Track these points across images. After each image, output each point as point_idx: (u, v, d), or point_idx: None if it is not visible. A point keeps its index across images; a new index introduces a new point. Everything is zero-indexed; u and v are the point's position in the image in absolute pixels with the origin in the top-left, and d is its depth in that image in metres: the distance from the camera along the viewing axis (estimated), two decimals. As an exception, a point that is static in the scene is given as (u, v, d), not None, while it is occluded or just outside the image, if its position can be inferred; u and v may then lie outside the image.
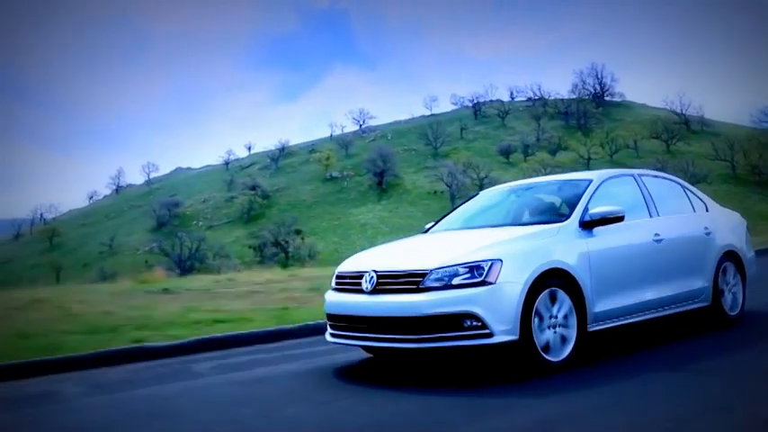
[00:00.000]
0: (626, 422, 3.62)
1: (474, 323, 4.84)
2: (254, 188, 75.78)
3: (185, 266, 57.11)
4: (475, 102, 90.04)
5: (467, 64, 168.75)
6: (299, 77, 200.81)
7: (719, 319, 6.80)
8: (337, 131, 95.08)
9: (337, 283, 5.77)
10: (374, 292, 5.19)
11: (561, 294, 5.23)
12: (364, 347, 5.89)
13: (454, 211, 7.19)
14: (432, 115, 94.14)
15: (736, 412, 3.72)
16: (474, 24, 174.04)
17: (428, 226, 6.97)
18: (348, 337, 5.48)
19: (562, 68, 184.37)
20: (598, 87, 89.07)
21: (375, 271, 5.27)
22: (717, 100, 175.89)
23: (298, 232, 62.77)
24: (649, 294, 6.06)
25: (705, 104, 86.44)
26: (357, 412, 4.29)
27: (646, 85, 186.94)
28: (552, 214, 6.23)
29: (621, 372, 4.88)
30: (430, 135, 79.80)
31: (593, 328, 5.46)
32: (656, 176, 7.08)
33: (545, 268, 5.10)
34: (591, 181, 6.18)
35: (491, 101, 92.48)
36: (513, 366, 5.03)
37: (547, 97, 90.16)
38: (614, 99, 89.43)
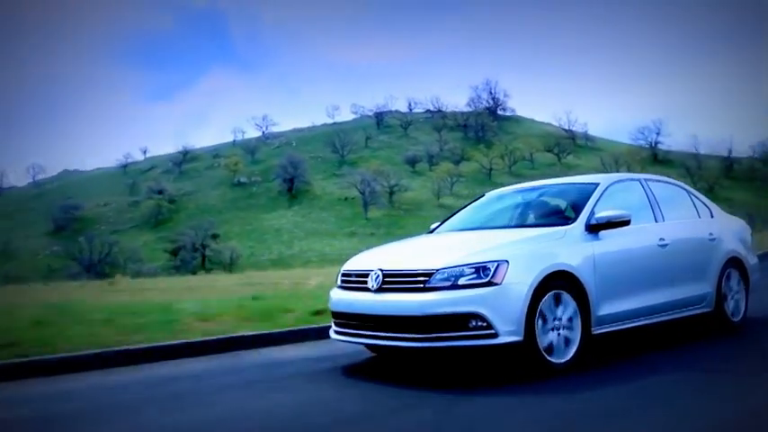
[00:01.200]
0: (619, 427, 3.62)
1: (479, 323, 4.86)
2: (160, 192, 74.49)
3: (96, 270, 55.75)
4: (377, 112, 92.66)
5: (360, 73, 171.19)
6: (174, 78, 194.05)
7: (722, 325, 6.82)
8: (239, 137, 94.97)
9: (343, 281, 5.77)
10: (380, 290, 5.19)
11: (566, 297, 5.24)
12: (369, 346, 5.92)
13: (459, 212, 7.20)
14: (334, 124, 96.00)
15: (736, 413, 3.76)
16: (365, 33, 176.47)
17: (433, 226, 7.04)
18: (353, 335, 5.50)
19: (458, 82, 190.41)
20: (492, 102, 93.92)
21: (381, 270, 5.27)
22: (599, 118, 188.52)
23: (214, 236, 62.87)
24: (653, 299, 6.08)
25: (589, 121, 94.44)
26: (358, 405, 4.32)
27: (534, 101, 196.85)
28: (558, 217, 6.25)
29: (624, 375, 4.87)
30: (337, 143, 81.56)
31: (597, 331, 5.48)
32: (661, 181, 7.12)
33: (550, 270, 5.12)
34: (598, 184, 6.23)
35: (391, 111, 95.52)
36: (516, 367, 5.06)
37: (444, 110, 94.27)
38: (506, 113, 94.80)
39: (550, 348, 5.02)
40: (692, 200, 7.16)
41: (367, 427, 3.80)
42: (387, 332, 5.09)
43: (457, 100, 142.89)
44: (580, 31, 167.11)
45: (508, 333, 4.80)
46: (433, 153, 79.19)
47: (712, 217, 7.21)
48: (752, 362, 5.25)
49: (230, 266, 54.49)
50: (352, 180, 70.02)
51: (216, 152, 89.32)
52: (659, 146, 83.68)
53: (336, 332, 5.63)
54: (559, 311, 5.14)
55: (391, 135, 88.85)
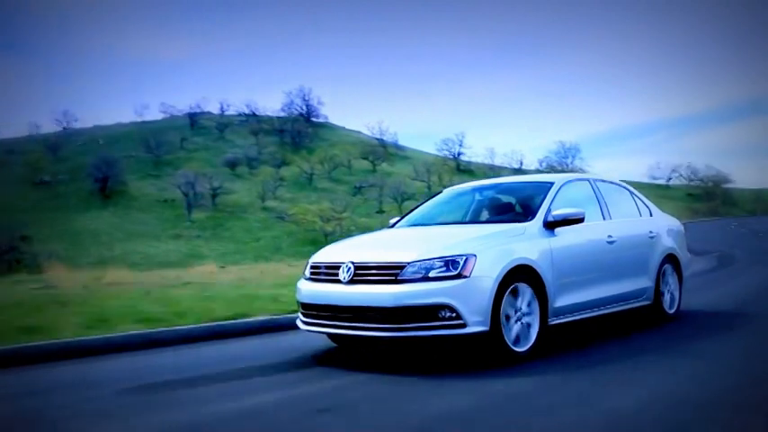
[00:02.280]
0: (569, 404, 3.95)
1: (449, 314, 4.99)
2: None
3: None
4: (190, 113, 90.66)
5: (168, 71, 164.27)
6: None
7: (659, 317, 7.20)
8: (33, 131, 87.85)
9: (312, 273, 5.82)
10: (352, 282, 5.26)
11: (526, 289, 5.46)
12: (334, 336, 5.99)
13: (419, 208, 7.41)
14: (144, 122, 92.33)
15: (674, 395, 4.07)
16: (173, 28, 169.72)
17: (393, 221, 7.28)
18: (323, 325, 5.54)
19: (271, 87, 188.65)
20: (305, 108, 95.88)
21: (353, 262, 5.34)
22: (407, 128, 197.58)
23: (23, 238, 57.98)
24: (603, 292, 6.38)
25: (398, 131, 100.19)
26: (332, 394, 4.45)
27: (345, 110, 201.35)
28: (517, 214, 6.54)
29: (576, 362, 5.23)
30: (151, 143, 78.82)
31: (553, 321, 5.71)
32: (606, 182, 7.41)
33: (513, 264, 5.30)
34: (552, 183, 6.49)
35: (203, 112, 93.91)
36: (481, 355, 5.32)
37: (258, 114, 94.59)
38: (319, 120, 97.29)
39: (513, 337, 5.30)
40: (633, 199, 7.59)
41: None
42: (359, 323, 5.19)
43: (271, 104, 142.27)
44: (390, 44, 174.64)
45: (476, 323, 5.01)
46: (252, 156, 79.41)
47: (651, 216, 7.65)
48: (685, 348, 5.73)
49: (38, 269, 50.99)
50: (172, 181, 68.22)
51: (10, 148, 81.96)
52: (461, 156, 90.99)
53: (306, 322, 5.72)
54: (521, 303, 5.41)
55: (206, 137, 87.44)
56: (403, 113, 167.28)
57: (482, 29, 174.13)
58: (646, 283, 7.07)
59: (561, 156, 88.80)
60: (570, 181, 6.74)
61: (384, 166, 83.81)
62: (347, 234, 61.35)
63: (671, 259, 7.52)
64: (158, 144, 78.74)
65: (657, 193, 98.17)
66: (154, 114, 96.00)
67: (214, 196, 68.23)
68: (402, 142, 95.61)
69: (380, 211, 68.56)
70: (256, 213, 68.03)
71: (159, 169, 76.59)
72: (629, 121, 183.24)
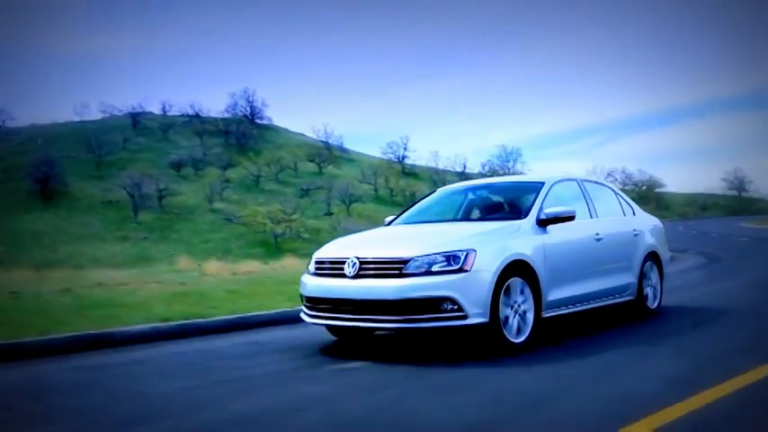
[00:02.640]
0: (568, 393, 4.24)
1: (451, 306, 5.22)
2: None
3: None
4: (132, 113, 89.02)
5: (106, 70, 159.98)
6: None
7: (642, 312, 7.48)
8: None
9: (317, 269, 6.06)
10: (357, 276, 5.48)
11: (522, 283, 5.71)
12: (331, 329, 6.26)
13: (414, 206, 7.70)
14: (82, 122, 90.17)
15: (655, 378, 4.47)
16: (111, 25, 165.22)
17: (389, 219, 7.51)
18: (329, 318, 5.79)
19: (214, 88, 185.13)
20: (249, 110, 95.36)
21: (358, 258, 5.57)
22: (352, 131, 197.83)
23: (-38, 240, 56.14)
24: (591, 287, 6.65)
25: (344, 134, 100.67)
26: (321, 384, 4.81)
27: (289, 112, 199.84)
28: (509, 212, 6.77)
29: (567, 352, 5.56)
30: (93, 143, 77.24)
31: (546, 314, 5.97)
32: (592, 182, 7.78)
33: (510, 259, 5.57)
34: (543, 183, 6.75)
35: (145, 112, 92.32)
36: (479, 346, 5.55)
37: (202, 115, 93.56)
38: (263, 122, 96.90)
39: (510, 329, 5.56)
40: (618, 199, 7.90)
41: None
42: (365, 314, 5.43)
43: (215, 105, 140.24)
44: (332, 46, 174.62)
45: (476, 315, 5.26)
46: (198, 158, 78.70)
47: (635, 214, 7.96)
48: (668, 340, 6.14)
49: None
50: (117, 182, 67.15)
51: (-61, 147, 79.05)
52: (405, 160, 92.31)
53: (311, 315, 5.98)
54: (517, 296, 5.67)
55: (150, 138, 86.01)
56: (347, 116, 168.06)
57: (423, 32, 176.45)
58: (630, 279, 7.34)
59: (503, 159, 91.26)
60: (560, 181, 7.02)
61: (330, 168, 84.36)
62: (297, 236, 61.74)
63: (653, 257, 7.83)
64: (100, 144, 77.23)
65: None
66: (94, 114, 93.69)
67: (160, 198, 67.46)
68: (347, 145, 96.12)
69: (329, 213, 69.15)
70: (204, 215, 67.60)
71: (101, 170, 75.12)
72: (567, 124, 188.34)
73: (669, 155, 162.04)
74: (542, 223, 6.18)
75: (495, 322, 5.39)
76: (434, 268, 5.31)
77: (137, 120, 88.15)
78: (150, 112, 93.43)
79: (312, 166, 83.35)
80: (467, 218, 7.15)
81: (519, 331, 5.66)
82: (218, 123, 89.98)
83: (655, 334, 6.53)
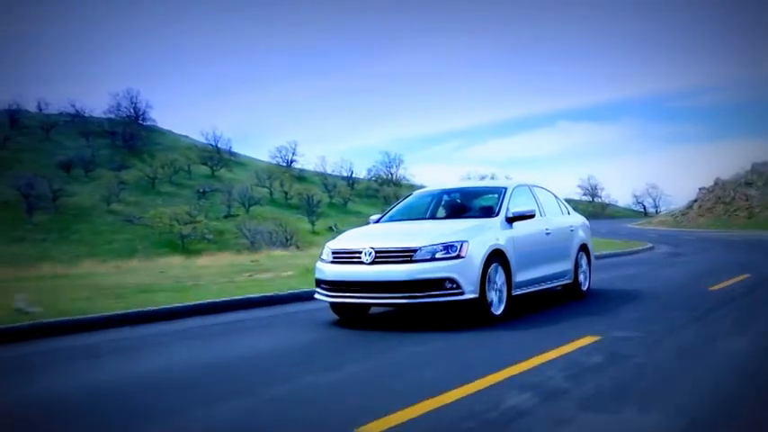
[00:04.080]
0: (521, 341, 5.87)
1: (451, 285, 6.45)
2: None
3: None
4: (10, 110, 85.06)
5: None
6: None
7: (576, 293, 8.92)
8: None
9: (335, 257, 7.07)
10: (373, 263, 6.62)
11: (499, 267, 6.97)
12: (341, 307, 7.29)
13: (397, 206, 8.92)
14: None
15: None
16: None
17: (375, 217, 8.64)
18: (349, 297, 6.88)
19: (92, 87, 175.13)
20: (133, 111, 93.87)
21: (373, 248, 6.69)
22: (240, 134, 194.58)
23: None
24: (544, 271, 8.04)
25: (232, 137, 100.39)
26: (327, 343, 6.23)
27: (173, 113, 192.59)
28: (482, 211, 8.00)
29: (534, 320, 7.04)
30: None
31: (515, 293, 7.27)
32: (539, 187, 9.07)
33: (492, 248, 6.85)
34: (506, 188, 8.08)
35: (20, 110, 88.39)
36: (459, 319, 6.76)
37: (84, 115, 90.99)
38: (147, 124, 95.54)
39: (492, 303, 6.84)
40: (557, 201, 9.38)
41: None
42: (382, 293, 6.64)
43: (94, 105, 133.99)
44: (214, 47, 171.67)
45: (470, 291, 6.48)
46: (87, 159, 77.21)
47: (569, 214, 9.51)
48: (596, 311, 7.65)
49: None
50: (5, 182, 65.03)
51: None
52: (294, 164, 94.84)
53: (330, 295, 7.07)
54: (496, 278, 6.93)
55: (31, 137, 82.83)
56: (231, 118, 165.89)
57: (300, 33, 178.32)
58: (568, 266, 8.79)
59: (387, 165, 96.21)
60: (517, 186, 8.38)
61: (223, 171, 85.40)
62: (202, 237, 62.92)
63: (583, 248, 9.30)
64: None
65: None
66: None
67: (54, 199, 66.10)
68: (235, 149, 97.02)
69: (229, 216, 70.46)
70: (102, 216, 66.92)
71: (-18, 170, 72.00)
72: (432, 128, 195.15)
73: (524, 161, 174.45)
74: (510, 220, 7.55)
75: (483, 298, 6.68)
76: (437, 255, 6.55)
77: (15, 118, 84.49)
78: (27, 111, 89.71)
79: (205, 169, 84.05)
80: (446, 216, 8.39)
81: (498, 305, 7.00)
82: (103, 124, 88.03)
83: (586, 309, 8.01)
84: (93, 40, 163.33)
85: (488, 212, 7.75)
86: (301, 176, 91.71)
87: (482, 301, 6.65)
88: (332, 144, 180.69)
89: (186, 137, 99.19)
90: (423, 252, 6.54)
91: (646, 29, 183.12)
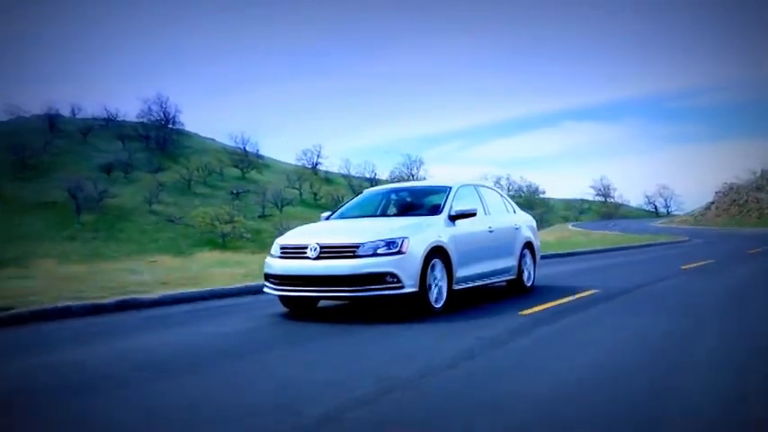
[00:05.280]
0: (459, 333, 6.02)
1: (392, 279, 6.73)
2: None
3: None
4: (49, 115, 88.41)
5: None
6: None
7: (520, 288, 9.21)
8: None
9: (282, 253, 7.29)
10: (318, 258, 6.84)
11: (440, 263, 7.26)
12: (289, 300, 7.46)
13: (347, 204, 9.16)
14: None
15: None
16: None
17: (325, 215, 8.86)
18: (295, 290, 7.09)
19: (124, 92, 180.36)
20: (163, 116, 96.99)
21: (319, 244, 6.92)
22: (265, 138, 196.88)
23: None
24: (486, 267, 8.30)
25: (259, 141, 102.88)
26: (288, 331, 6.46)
27: (201, 117, 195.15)
28: (427, 209, 8.31)
29: (471, 313, 7.29)
30: (16, 145, 77.04)
31: (455, 287, 7.57)
32: (485, 186, 9.46)
33: (433, 245, 7.14)
34: (451, 188, 8.32)
35: (57, 115, 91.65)
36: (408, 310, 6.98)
37: (116, 118, 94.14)
38: (176, 127, 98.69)
39: (432, 297, 7.12)
40: (502, 200, 9.69)
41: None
42: (327, 286, 6.87)
43: (124, 109, 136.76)
44: (242, 49, 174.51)
45: (410, 285, 6.78)
46: (125, 161, 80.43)
47: (515, 213, 9.77)
48: (535, 304, 7.84)
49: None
50: (51, 184, 68.40)
51: None
52: (319, 166, 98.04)
53: (277, 289, 7.27)
54: (437, 273, 7.22)
55: (69, 141, 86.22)
56: (257, 122, 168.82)
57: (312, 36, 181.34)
58: (512, 262, 9.06)
59: (408, 166, 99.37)
60: (462, 186, 8.64)
61: (253, 173, 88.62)
62: (239, 236, 66.02)
63: (528, 246, 9.59)
64: (23, 146, 77.11)
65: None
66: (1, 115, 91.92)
67: (99, 200, 69.26)
68: (262, 152, 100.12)
69: (263, 216, 73.65)
70: (145, 216, 70.08)
71: (26, 172, 75.25)
72: (438, 128, 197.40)
73: (526, 160, 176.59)
74: (452, 218, 7.81)
75: (423, 291, 6.94)
76: (379, 251, 6.77)
77: (52, 122, 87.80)
78: (61, 115, 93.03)
79: (236, 171, 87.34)
80: (395, 213, 8.65)
81: (438, 299, 7.26)
82: (136, 128, 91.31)
83: (529, 302, 8.17)
84: (119, 44, 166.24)
85: (433, 211, 8.05)
86: (327, 178, 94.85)
87: (422, 295, 6.95)
88: (332, 144, 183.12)
89: (212, 140, 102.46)
90: (365, 248, 6.82)
91: (646, 29, 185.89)
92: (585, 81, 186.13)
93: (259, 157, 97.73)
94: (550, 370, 4.62)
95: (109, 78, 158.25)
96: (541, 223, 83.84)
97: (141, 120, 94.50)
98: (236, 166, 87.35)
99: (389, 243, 6.84)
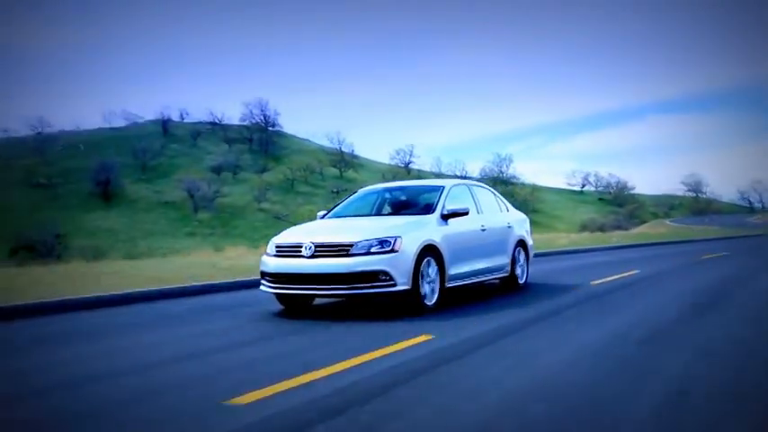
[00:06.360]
0: (455, 329, 5.91)
1: (385, 277, 6.79)
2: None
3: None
4: (163, 120, 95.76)
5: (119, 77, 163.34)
6: None
7: (513, 285, 9.33)
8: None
9: (277, 251, 7.40)
10: (313, 257, 6.94)
11: (432, 261, 7.33)
12: (285, 298, 7.60)
13: (342, 203, 9.21)
14: (112, 128, 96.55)
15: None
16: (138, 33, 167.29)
17: (321, 213, 9.03)
18: (289, 288, 7.20)
19: (225, 96, 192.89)
20: (263, 119, 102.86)
21: (313, 243, 7.01)
22: (358, 138, 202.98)
23: (58, 236, 62.50)
24: (478, 265, 8.42)
25: (353, 142, 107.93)
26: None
27: (296, 119, 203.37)
28: (421, 208, 8.41)
29: (461, 311, 7.22)
30: (137, 149, 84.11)
31: (448, 285, 7.66)
32: (478, 186, 9.55)
33: (425, 244, 7.21)
34: (444, 187, 8.49)
35: (169, 120, 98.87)
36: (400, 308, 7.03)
37: (222, 123, 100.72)
38: (276, 130, 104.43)
39: (425, 295, 7.23)
40: (496, 199, 9.77)
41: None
42: (321, 284, 7.00)
43: (228, 113, 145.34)
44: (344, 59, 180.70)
45: (403, 283, 6.88)
46: (233, 163, 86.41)
47: (508, 211, 9.91)
48: (529, 302, 8.08)
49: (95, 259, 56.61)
50: (169, 185, 74.76)
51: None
52: (411, 165, 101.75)
53: (273, 287, 7.38)
54: (430, 270, 7.33)
55: (181, 144, 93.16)
56: (349, 122, 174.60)
57: (420, 37, 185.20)
58: (505, 260, 9.13)
59: (498, 164, 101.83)
60: (455, 185, 8.76)
61: (350, 172, 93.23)
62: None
63: (521, 244, 9.69)
64: (144, 150, 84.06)
65: (575, 197, 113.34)
66: (118, 121, 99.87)
67: (213, 199, 75.07)
68: (356, 152, 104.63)
69: (362, 213, 77.74)
70: (254, 214, 75.51)
71: (147, 173, 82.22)
72: (514, 124, 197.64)
73: (612, 155, 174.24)
74: (445, 217, 7.87)
75: (416, 289, 7.01)
76: (372, 250, 6.85)
77: (165, 127, 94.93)
78: (172, 120, 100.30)
79: (334, 171, 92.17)
80: (389, 212, 8.74)
81: (431, 296, 7.33)
82: (240, 131, 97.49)
83: (523, 300, 8.31)
84: (220, 50, 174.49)
85: (426, 210, 8.16)
86: (420, 176, 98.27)
87: (415, 293, 7.04)
88: (422, 141, 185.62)
89: (308, 140, 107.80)
90: (359, 246, 6.91)
91: (735, 17, 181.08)
92: (671, 73, 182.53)
93: (354, 156, 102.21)
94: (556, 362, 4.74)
95: (213, 84, 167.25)
96: (632, 219, 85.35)
97: (244, 123, 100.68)
98: (334, 166, 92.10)
99: (383, 242, 6.94)
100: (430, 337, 5.63)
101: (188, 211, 73.04)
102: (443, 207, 8.01)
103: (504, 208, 9.82)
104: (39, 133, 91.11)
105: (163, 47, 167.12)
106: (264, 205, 77.43)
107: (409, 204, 8.74)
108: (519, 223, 9.92)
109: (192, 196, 72.34)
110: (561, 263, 15.74)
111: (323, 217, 8.82)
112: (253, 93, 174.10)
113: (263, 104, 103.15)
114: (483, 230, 8.64)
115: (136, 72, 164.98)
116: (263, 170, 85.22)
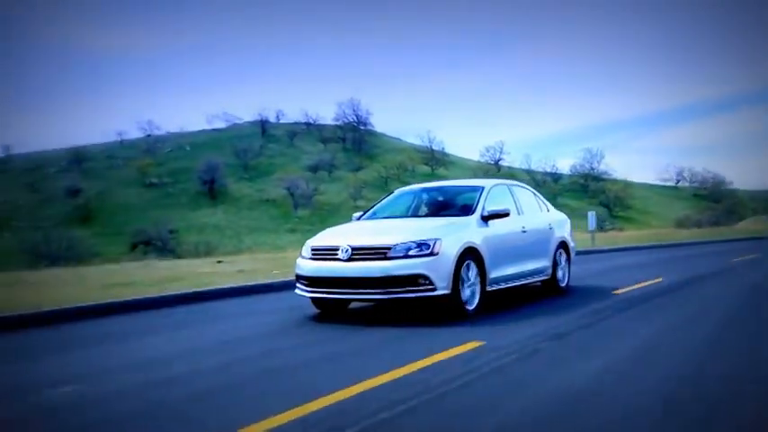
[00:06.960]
0: (502, 336, 5.92)
1: (424, 281, 6.64)
2: (77, 192, 75.94)
3: (64, 259, 57.97)
4: (262, 121, 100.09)
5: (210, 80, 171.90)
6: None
7: (554, 289, 9.10)
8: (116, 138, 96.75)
9: (313, 254, 7.32)
10: (350, 260, 6.81)
11: (472, 264, 7.14)
12: (321, 301, 7.47)
13: (378, 204, 9.10)
14: (213, 130, 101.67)
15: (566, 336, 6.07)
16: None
17: (357, 215, 8.93)
18: (327, 292, 7.08)
19: (320, 97, 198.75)
20: (355, 118, 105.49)
21: (350, 245, 6.90)
22: (448, 135, 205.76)
23: (171, 232, 67.31)
24: (519, 268, 8.25)
25: (443, 139, 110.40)
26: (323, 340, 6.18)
27: (386, 118, 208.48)
28: (460, 209, 8.24)
29: (504, 316, 7.15)
30: (238, 149, 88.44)
31: (489, 288, 7.44)
32: (518, 186, 9.38)
33: (465, 246, 7.03)
34: (483, 187, 8.32)
35: (266, 121, 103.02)
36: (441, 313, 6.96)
37: (314, 122, 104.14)
38: (367, 129, 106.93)
39: (466, 299, 7.08)
40: (536, 199, 9.63)
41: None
42: (357, 288, 6.89)
43: (321, 112, 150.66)
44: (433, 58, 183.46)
45: (443, 288, 6.75)
46: (328, 162, 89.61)
47: (549, 211, 9.76)
48: (575, 307, 7.91)
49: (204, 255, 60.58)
50: (270, 183, 78.54)
51: (108, 153, 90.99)
52: (501, 162, 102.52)
53: (309, 291, 7.31)
54: (470, 274, 7.18)
55: (279, 144, 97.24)
56: (444, 123, 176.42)
57: (513, 39, 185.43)
58: (546, 263, 8.99)
59: (589, 160, 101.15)
60: (494, 185, 8.63)
61: (441, 170, 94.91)
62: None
63: (563, 245, 9.49)
64: (245, 150, 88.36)
65: (669, 193, 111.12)
66: (218, 123, 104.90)
67: (311, 197, 78.35)
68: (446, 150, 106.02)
69: (454, 210, 79.38)
70: (351, 211, 76.89)
71: (248, 172, 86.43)
72: (593, 118, 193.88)
73: (705, 148, 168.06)
74: (485, 219, 7.73)
75: (456, 293, 6.89)
76: (411, 252, 6.75)
77: (264, 128, 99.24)
78: (269, 120, 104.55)
79: (426, 169, 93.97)
80: (426, 213, 8.56)
81: (471, 301, 7.23)
82: (334, 131, 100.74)
83: (567, 304, 8.17)
84: (312, 51, 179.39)
85: (466, 211, 8.04)
86: (511, 173, 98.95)
87: (455, 297, 6.94)
88: (510, 138, 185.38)
89: (399, 139, 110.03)
90: (397, 249, 6.83)
91: None
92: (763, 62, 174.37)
93: (444, 154, 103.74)
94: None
95: (306, 85, 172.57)
96: (731, 216, 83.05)
97: (337, 123, 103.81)
98: (425, 164, 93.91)
99: (421, 244, 6.84)
100: (481, 343, 5.74)
101: (288, 209, 76.50)
102: (483, 208, 7.93)
103: (544, 208, 9.72)
104: (149, 135, 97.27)
105: (257, 51, 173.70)
106: (360, 203, 79.98)
107: (447, 205, 8.68)
108: (560, 224, 9.83)
109: (291, 194, 75.71)
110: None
111: (359, 218, 8.84)
112: (344, 93, 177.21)
113: (355, 104, 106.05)
114: (524, 232, 8.56)
115: (233, 75, 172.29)
116: (358, 168, 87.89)
